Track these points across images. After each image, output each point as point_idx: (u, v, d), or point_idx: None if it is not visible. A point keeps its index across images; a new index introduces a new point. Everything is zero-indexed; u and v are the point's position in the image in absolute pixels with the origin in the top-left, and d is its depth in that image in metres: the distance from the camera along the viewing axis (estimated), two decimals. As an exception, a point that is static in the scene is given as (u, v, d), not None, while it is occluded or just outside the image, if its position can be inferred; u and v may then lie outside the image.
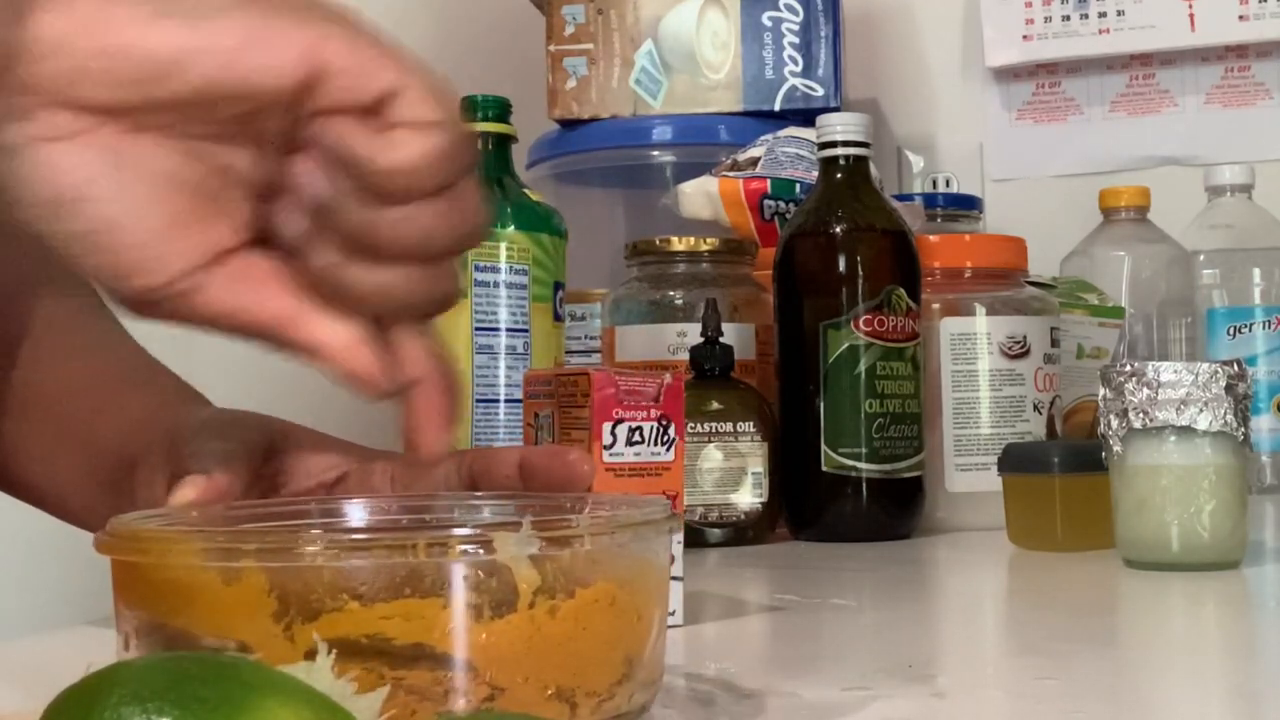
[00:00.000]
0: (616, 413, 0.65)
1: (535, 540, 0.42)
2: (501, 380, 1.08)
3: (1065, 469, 0.93)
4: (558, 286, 1.12)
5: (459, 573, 0.42)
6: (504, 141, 1.13)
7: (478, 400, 1.08)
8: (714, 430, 1.03)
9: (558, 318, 1.12)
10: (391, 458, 0.65)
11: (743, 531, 1.04)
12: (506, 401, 1.08)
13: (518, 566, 0.42)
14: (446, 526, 0.54)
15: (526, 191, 1.13)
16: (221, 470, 0.59)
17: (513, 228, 1.09)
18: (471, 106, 1.13)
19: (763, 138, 1.36)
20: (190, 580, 0.43)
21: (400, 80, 0.48)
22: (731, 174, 1.32)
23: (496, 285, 1.08)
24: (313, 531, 0.50)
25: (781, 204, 1.28)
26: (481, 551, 0.42)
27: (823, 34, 1.50)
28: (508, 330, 1.08)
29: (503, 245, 1.09)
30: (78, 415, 0.74)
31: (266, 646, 0.41)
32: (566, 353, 1.17)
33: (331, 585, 0.42)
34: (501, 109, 1.13)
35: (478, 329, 1.08)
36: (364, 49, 0.48)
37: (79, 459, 0.72)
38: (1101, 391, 0.86)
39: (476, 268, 1.08)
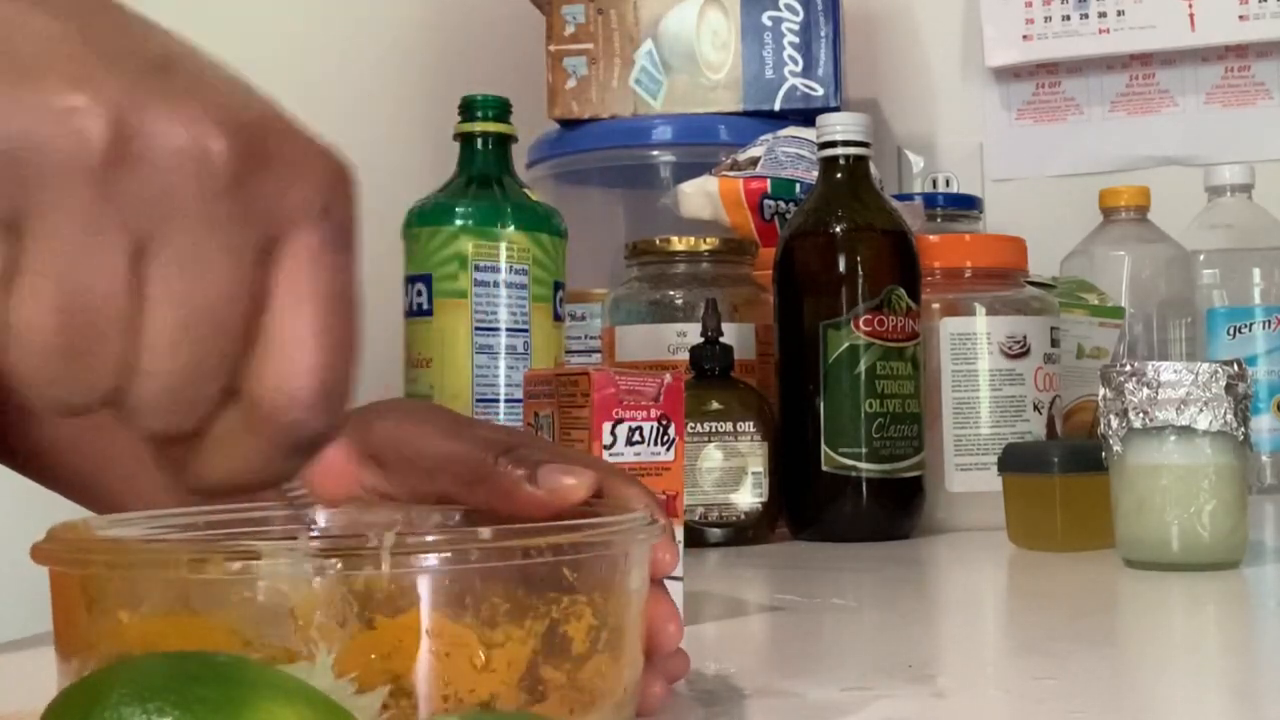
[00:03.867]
0: (616, 412, 0.65)
1: (312, 557, 0.37)
2: (501, 380, 1.08)
3: (1065, 469, 0.93)
4: (558, 286, 1.12)
5: (222, 592, 0.37)
6: (504, 141, 1.13)
7: (478, 400, 1.08)
8: (714, 430, 1.03)
9: (558, 318, 1.12)
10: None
11: (743, 531, 1.04)
12: (506, 401, 1.08)
13: (295, 588, 0.37)
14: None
15: (526, 191, 1.13)
16: None
17: (513, 228, 1.09)
18: (471, 106, 1.13)
19: (763, 138, 1.36)
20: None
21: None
22: (731, 174, 1.32)
23: (496, 285, 1.08)
24: (107, 535, 0.44)
25: (781, 204, 1.28)
26: (247, 568, 0.37)
27: (823, 34, 1.50)
28: (508, 330, 1.08)
29: (503, 245, 1.09)
30: None
31: (76, 653, 0.39)
32: (566, 353, 1.17)
33: (117, 594, 0.39)
34: (501, 109, 1.13)
35: (478, 329, 1.08)
36: None
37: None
38: (1101, 391, 0.85)
39: (476, 268, 1.08)
